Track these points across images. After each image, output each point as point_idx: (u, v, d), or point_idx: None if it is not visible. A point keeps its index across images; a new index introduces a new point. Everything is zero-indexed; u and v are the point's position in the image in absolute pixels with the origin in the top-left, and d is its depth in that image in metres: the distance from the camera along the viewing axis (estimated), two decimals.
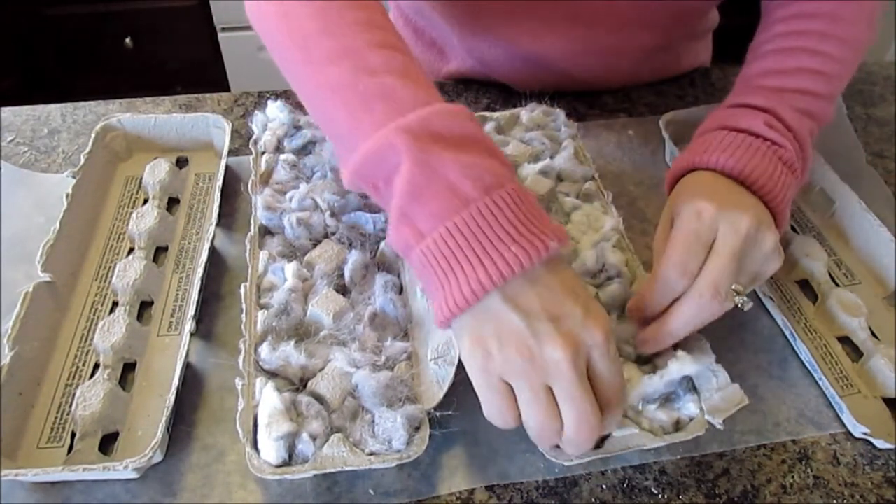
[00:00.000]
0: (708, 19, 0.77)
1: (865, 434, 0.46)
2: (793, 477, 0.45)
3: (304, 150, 0.59)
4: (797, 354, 0.51)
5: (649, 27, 0.69)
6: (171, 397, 0.43)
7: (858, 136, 0.68)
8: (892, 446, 0.46)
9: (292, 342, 0.45)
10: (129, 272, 0.51)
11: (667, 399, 0.44)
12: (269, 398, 0.42)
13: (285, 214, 0.52)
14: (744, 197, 0.47)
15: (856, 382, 0.50)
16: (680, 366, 0.43)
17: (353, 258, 0.50)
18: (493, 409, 0.39)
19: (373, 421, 0.42)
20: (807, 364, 0.50)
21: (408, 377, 0.44)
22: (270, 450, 0.40)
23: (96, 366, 0.47)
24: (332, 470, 0.40)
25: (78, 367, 0.47)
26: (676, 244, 0.44)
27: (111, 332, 0.47)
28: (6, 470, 0.40)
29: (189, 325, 0.46)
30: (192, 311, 0.47)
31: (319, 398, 0.43)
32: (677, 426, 0.44)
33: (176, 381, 0.43)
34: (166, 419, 0.42)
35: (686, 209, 0.45)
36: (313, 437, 0.41)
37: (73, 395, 0.44)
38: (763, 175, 0.47)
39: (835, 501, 0.44)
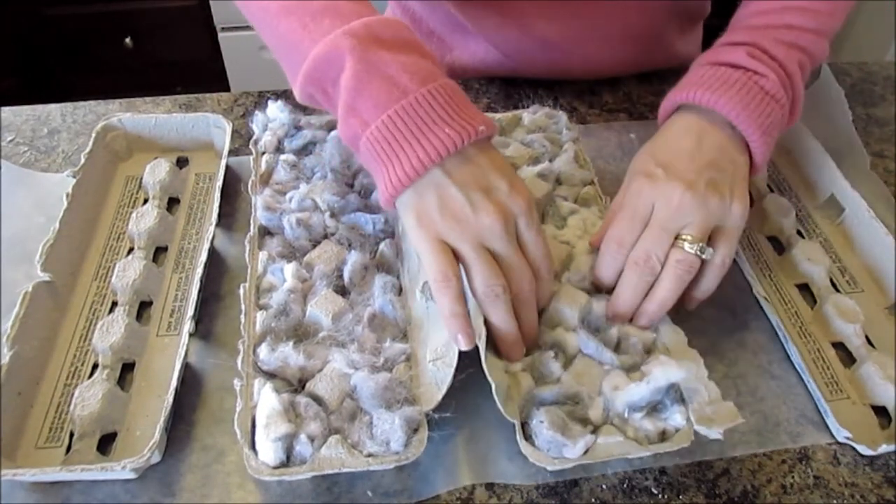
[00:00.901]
0: (703, 6, 0.78)
1: (848, 439, 0.46)
2: (793, 477, 0.45)
3: (304, 150, 0.59)
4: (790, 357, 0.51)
5: (647, 11, 0.70)
6: (170, 398, 0.43)
7: (858, 136, 0.68)
8: (873, 452, 0.46)
9: (291, 343, 0.45)
10: (128, 272, 0.51)
11: (653, 409, 0.44)
12: (267, 399, 0.42)
13: (285, 215, 0.52)
14: (703, 146, 0.49)
15: (846, 388, 0.50)
16: (664, 371, 0.43)
17: (353, 259, 0.50)
18: (437, 267, 0.43)
19: (371, 422, 0.42)
20: (797, 367, 0.50)
21: (406, 378, 0.44)
22: (268, 451, 0.40)
23: (95, 366, 0.47)
24: (330, 471, 0.40)
25: (77, 367, 0.47)
26: (615, 219, 0.49)
27: (110, 332, 0.47)
28: (5, 470, 0.40)
29: (188, 326, 0.46)
30: (191, 311, 0.47)
31: (318, 399, 0.43)
32: (663, 436, 0.43)
33: (174, 382, 0.43)
34: (165, 419, 0.42)
35: (630, 183, 0.50)
36: (311, 439, 0.41)
37: (72, 395, 0.44)
38: (738, 105, 0.48)
39: (835, 501, 0.44)
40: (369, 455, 0.41)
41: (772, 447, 0.46)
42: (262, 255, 0.50)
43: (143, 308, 0.51)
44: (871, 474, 0.45)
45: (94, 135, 0.59)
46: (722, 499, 0.44)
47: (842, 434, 0.46)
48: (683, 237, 0.46)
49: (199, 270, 0.49)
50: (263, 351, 0.44)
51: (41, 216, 0.57)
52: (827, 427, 0.47)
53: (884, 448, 0.45)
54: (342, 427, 0.42)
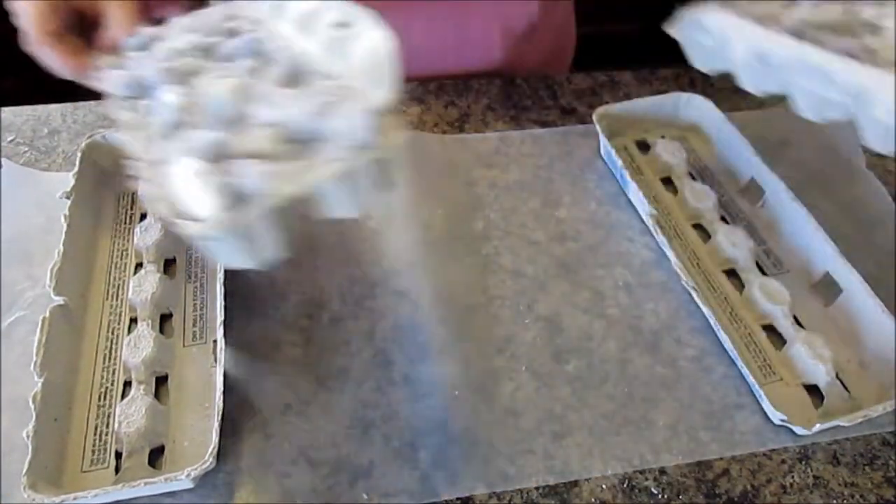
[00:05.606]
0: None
1: (783, 421, 0.46)
2: (793, 477, 0.45)
3: None
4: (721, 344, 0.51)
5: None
6: (219, 402, 0.43)
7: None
8: (809, 432, 0.45)
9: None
10: (144, 286, 0.51)
11: None
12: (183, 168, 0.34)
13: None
14: None
15: (778, 370, 0.50)
16: None
17: None
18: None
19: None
20: (729, 353, 0.50)
21: None
22: (205, 200, 0.32)
23: (125, 383, 0.47)
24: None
25: (107, 388, 0.47)
26: None
27: (139, 347, 0.47)
28: (63, 495, 0.40)
29: (220, 333, 0.46)
30: (220, 317, 0.47)
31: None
32: None
33: (219, 387, 0.44)
34: (217, 425, 0.42)
35: None
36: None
37: (108, 415, 0.45)
38: None
39: (835, 501, 0.44)
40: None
41: (772, 447, 0.46)
42: None
43: (163, 321, 0.51)
44: (871, 474, 0.46)
45: (79, 154, 0.57)
46: (722, 499, 0.44)
47: (777, 417, 0.46)
48: None
49: (221, 276, 0.49)
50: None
51: (41, 216, 0.57)
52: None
53: (818, 427, 0.45)
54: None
